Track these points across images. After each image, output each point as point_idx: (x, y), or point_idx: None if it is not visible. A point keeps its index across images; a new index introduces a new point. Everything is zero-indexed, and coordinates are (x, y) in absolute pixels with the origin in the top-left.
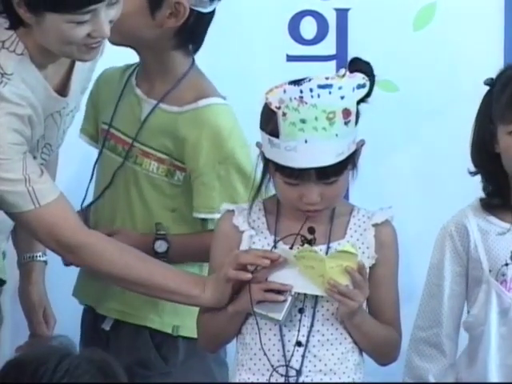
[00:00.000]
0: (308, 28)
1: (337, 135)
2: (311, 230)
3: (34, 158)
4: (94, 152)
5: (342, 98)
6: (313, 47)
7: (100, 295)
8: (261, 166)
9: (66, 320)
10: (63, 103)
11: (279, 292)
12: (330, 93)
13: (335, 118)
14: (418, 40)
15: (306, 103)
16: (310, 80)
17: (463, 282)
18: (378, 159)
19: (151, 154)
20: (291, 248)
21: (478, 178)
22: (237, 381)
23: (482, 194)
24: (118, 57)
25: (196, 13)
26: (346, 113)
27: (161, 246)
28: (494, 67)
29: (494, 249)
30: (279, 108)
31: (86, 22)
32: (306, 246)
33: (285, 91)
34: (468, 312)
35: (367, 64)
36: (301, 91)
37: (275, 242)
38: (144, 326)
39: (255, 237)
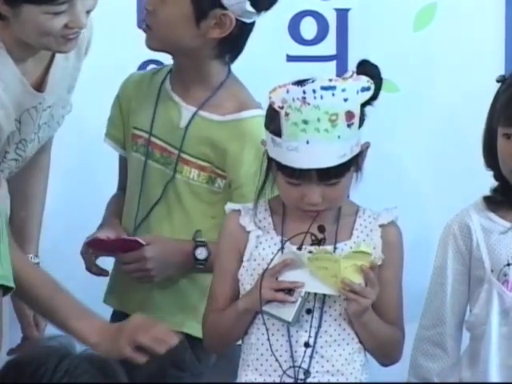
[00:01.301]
0: (308, 28)
1: (339, 137)
2: (321, 229)
3: (7, 153)
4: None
5: (346, 100)
6: (313, 47)
7: (136, 303)
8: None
9: None
10: (40, 98)
11: (289, 292)
12: (333, 95)
13: (338, 120)
14: (418, 40)
15: (309, 104)
16: (313, 81)
17: (465, 281)
18: (378, 159)
19: (191, 162)
20: (300, 248)
21: (480, 177)
22: (243, 381)
23: (485, 193)
24: (117, 56)
25: (240, 23)
26: (349, 115)
27: (202, 253)
28: (494, 68)
29: (496, 249)
30: (282, 108)
31: (62, 12)
32: (321, 247)
33: (288, 91)
34: (470, 311)
35: (375, 67)
36: (304, 92)
37: (282, 242)
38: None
39: (262, 237)
